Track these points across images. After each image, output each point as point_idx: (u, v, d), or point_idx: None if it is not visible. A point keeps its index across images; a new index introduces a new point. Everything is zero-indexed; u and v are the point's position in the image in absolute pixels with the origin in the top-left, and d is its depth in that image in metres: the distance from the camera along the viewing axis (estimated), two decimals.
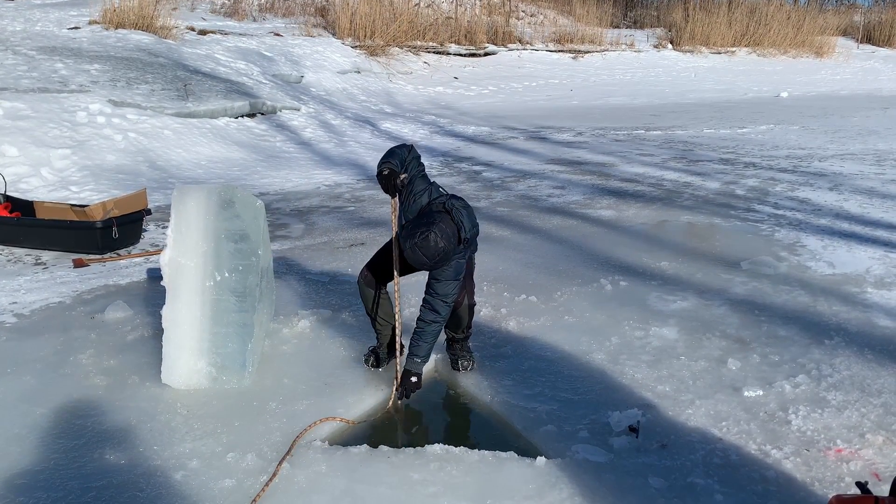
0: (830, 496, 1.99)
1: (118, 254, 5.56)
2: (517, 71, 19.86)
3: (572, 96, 17.96)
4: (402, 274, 3.38)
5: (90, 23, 13.27)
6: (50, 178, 7.40)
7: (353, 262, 5.23)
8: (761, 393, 3.26)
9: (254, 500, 2.52)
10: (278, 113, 11.76)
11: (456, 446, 2.85)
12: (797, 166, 9.01)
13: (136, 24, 13.14)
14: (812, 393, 3.27)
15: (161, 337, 3.33)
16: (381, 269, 3.43)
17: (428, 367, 3.51)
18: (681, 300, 4.45)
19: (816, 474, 2.67)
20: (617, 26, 26.59)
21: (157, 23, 13.54)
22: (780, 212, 6.71)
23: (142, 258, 5.47)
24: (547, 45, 22.04)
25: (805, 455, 2.79)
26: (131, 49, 12.01)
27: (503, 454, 2.80)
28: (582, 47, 22.37)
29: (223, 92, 11.24)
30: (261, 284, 3.41)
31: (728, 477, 2.66)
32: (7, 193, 6.07)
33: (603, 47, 22.80)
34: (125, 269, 5.23)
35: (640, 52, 23.40)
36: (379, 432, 3.12)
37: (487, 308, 4.30)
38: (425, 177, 3.24)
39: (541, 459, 2.74)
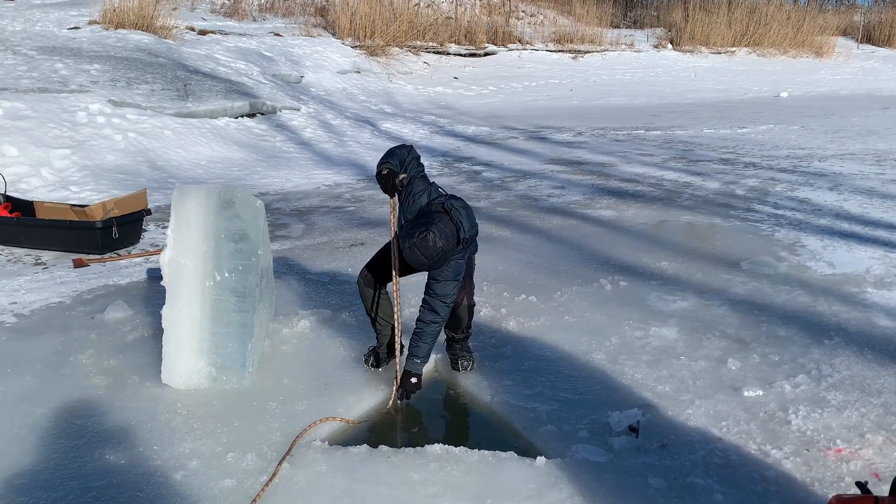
0: (830, 496, 1.99)
1: (118, 254, 5.56)
2: (517, 71, 19.86)
3: (572, 96, 17.96)
4: (401, 274, 3.38)
5: (90, 23, 13.27)
6: (50, 178, 7.40)
7: (353, 262, 5.23)
8: (761, 393, 3.26)
9: (254, 500, 2.52)
10: (278, 113, 11.76)
11: (456, 446, 2.85)
12: (797, 166, 9.01)
13: (136, 24, 13.14)
14: (812, 393, 3.27)
15: (161, 337, 3.33)
16: (380, 269, 3.43)
17: (428, 367, 3.51)
18: (681, 300, 4.45)
19: (816, 474, 2.67)
20: (617, 26, 26.59)
21: (157, 23, 13.54)
22: (780, 212, 6.71)
23: (142, 258, 5.47)
24: (547, 45, 22.04)
25: (805, 455, 2.79)
26: (131, 49, 12.01)
27: (503, 454, 2.80)
28: (582, 47, 22.37)
29: (223, 92, 11.24)
30: (261, 284, 3.41)
31: (728, 477, 2.66)
32: (7, 193, 6.07)
33: (603, 47, 22.80)
34: (125, 269, 5.23)
35: (639, 52, 23.40)
36: (379, 432, 3.12)
37: (487, 308, 4.30)
38: (425, 177, 3.24)
39: (541, 459, 2.74)
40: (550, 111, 15.66)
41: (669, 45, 24.37)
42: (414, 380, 3.23)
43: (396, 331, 3.40)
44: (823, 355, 3.66)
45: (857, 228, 6.08)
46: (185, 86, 10.78)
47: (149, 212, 5.99)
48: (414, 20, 19.22)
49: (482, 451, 2.82)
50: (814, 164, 9.10)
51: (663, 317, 4.18)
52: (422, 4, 20.29)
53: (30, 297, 4.57)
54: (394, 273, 3.34)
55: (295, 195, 7.77)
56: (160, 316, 3.35)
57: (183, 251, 3.32)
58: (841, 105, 16.80)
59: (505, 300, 4.46)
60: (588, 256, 5.38)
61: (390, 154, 3.17)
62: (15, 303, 4.46)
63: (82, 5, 14.77)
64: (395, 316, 3.40)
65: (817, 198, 7.25)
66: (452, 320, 3.42)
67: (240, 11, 18.70)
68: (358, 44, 17.47)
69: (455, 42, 20.05)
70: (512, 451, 2.82)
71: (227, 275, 3.33)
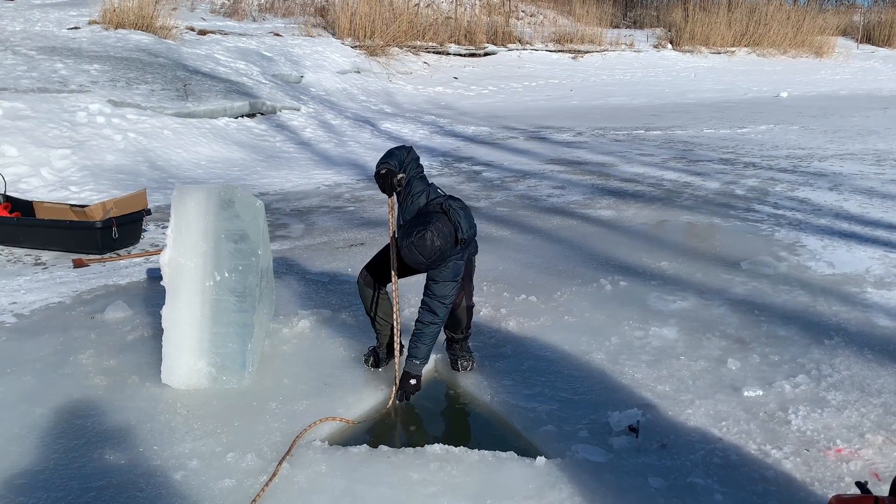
0: (830, 496, 1.99)
1: (118, 254, 5.56)
2: (517, 71, 19.86)
3: (572, 96, 17.97)
4: (401, 275, 3.38)
5: (90, 23, 13.27)
6: (50, 178, 7.40)
7: (353, 262, 5.23)
8: (761, 393, 3.26)
9: (254, 500, 2.52)
10: (278, 113, 11.76)
11: (456, 446, 2.85)
12: (797, 166, 9.01)
13: (136, 24, 13.14)
14: (812, 393, 3.27)
15: (161, 337, 3.33)
16: (380, 269, 3.43)
17: (428, 368, 3.51)
18: (681, 300, 4.45)
19: (816, 474, 2.67)
20: (617, 26, 26.59)
21: (157, 23, 13.54)
22: (779, 212, 6.71)
23: (142, 258, 5.47)
24: (547, 45, 22.05)
25: (805, 455, 2.79)
26: (131, 49, 12.01)
27: (503, 454, 2.80)
28: (582, 47, 22.37)
29: (223, 92, 11.24)
30: (261, 284, 3.41)
31: (728, 477, 2.66)
32: (7, 193, 6.07)
33: (603, 47, 22.81)
34: (125, 269, 5.23)
35: (639, 52, 23.40)
36: (379, 432, 3.12)
37: (487, 308, 4.30)
38: (424, 178, 3.24)
39: (541, 459, 2.74)
40: (550, 111, 15.66)
41: (669, 45, 24.38)
42: (413, 381, 3.23)
43: (395, 331, 3.40)
44: (823, 355, 3.66)
45: (857, 228, 6.08)
46: (184, 86, 10.78)
47: (149, 212, 5.99)
48: (414, 20, 19.22)
49: (482, 451, 2.82)
50: (814, 164, 9.10)
51: (663, 317, 4.18)
52: (422, 4, 20.29)
53: (30, 297, 4.57)
54: (392, 273, 3.34)
55: (295, 195, 7.77)
56: (160, 316, 3.35)
57: (183, 251, 3.32)
58: (841, 105, 16.80)
59: (505, 300, 4.46)
60: (588, 256, 5.38)
61: (389, 154, 3.18)
62: (15, 303, 4.46)
63: (82, 5, 14.77)
64: (395, 316, 3.40)
65: (817, 198, 7.25)
66: (452, 321, 3.42)
67: (239, 11, 18.70)
68: (358, 44, 17.47)
69: (455, 42, 20.05)
70: (512, 451, 2.82)
71: (226, 275, 3.34)
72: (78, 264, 5.27)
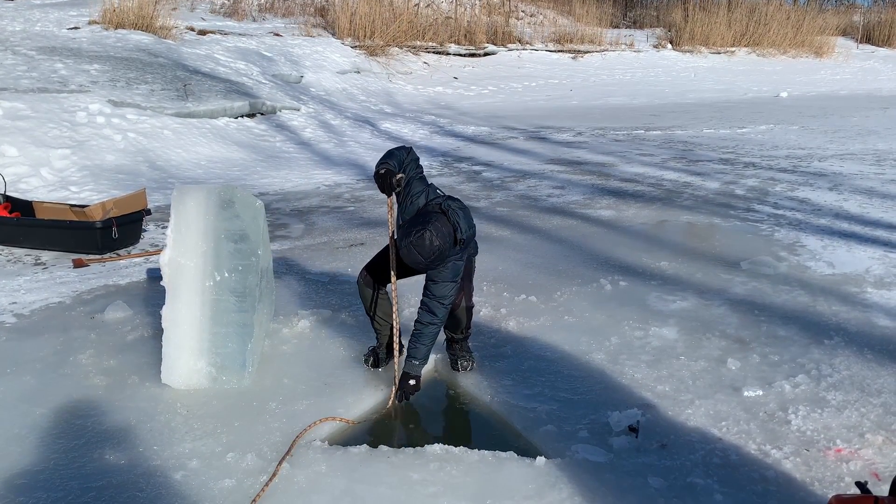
0: (830, 496, 1.99)
1: (118, 254, 5.56)
2: (517, 71, 19.86)
3: (572, 96, 17.97)
4: (400, 275, 3.38)
5: (90, 23, 13.27)
6: (50, 178, 7.40)
7: (353, 262, 5.23)
8: (761, 393, 3.26)
9: (254, 500, 2.52)
10: (278, 113, 11.76)
11: (456, 446, 2.85)
12: (797, 166, 9.01)
13: (136, 25, 13.14)
14: (812, 393, 3.27)
15: (161, 337, 3.33)
16: (380, 269, 3.43)
17: (428, 368, 3.51)
18: (680, 300, 4.45)
19: (816, 474, 2.67)
20: (617, 26, 26.59)
21: (157, 23, 13.54)
22: (779, 212, 6.71)
23: (141, 258, 5.47)
24: (547, 45, 22.04)
25: (805, 455, 2.79)
26: (131, 49, 12.01)
27: (503, 454, 2.80)
28: (581, 47, 22.37)
29: (223, 92, 11.24)
30: (261, 284, 3.41)
31: (728, 477, 2.66)
32: (7, 193, 6.07)
33: (602, 47, 22.80)
34: (125, 269, 5.23)
35: (639, 52, 23.40)
36: (379, 432, 3.12)
37: (487, 308, 4.30)
38: (423, 179, 3.24)
39: (540, 459, 2.74)
40: (550, 111, 15.66)
41: (669, 45, 24.37)
42: (412, 381, 3.23)
43: (395, 331, 3.40)
44: (823, 355, 3.66)
45: (857, 228, 6.09)
46: (184, 86, 10.78)
47: (148, 212, 5.99)
48: (414, 20, 19.22)
49: (482, 451, 2.82)
50: (814, 164, 9.10)
51: (663, 317, 4.18)
52: (422, 4, 20.29)
53: (30, 297, 4.57)
54: (392, 274, 3.34)
55: (295, 195, 7.77)
56: (160, 316, 3.35)
57: (183, 251, 3.32)
58: (841, 105, 16.80)
59: (505, 300, 4.46)
60: (588, 256, 5.38)
61: (389, 155, 3.18)
62: (15, 303, 4.46)
63: (82, 5, 14.77)
64: (394, 316, 3.40)
65: (817, 198, 7.25)
66: (451, 321, 3.42)
67: (239, 11, 18.70)
68: (358, 44, 17.47)
69: (455, 42, 20.05)
70: (512, 451, 2.82)
71: (226, 275, 3.34)
72: (78, 264, 5.27)
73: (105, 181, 7.58)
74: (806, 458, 2.77)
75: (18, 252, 5.59)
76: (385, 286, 3.47)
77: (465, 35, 20.37)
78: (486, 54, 20.41)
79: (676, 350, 3.74)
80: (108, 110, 9.11)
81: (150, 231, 6.23)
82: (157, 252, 5.34)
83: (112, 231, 5.48)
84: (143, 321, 4.11)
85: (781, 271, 5.01)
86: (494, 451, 2.83)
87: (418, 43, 19.06)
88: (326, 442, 2.92)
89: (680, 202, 7.18)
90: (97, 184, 7.46)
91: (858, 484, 1.93)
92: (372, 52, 17.46)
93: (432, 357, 3.60)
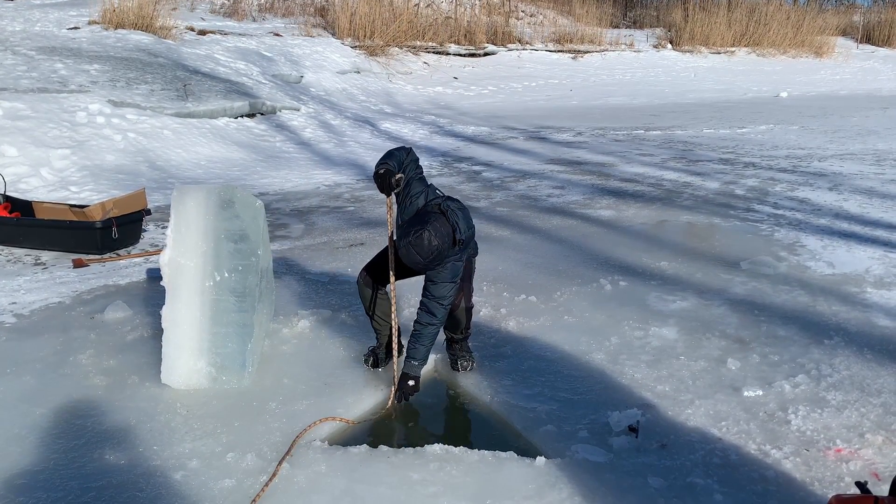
0: (830, 496, 1.99)
1: (118, 254, 5.56)
2: (517, 71, 19.86)
3: (572, 96, 17.97)
4: (400, 276, 3.38)
5: (90, 23, 13.27)
6: (49, 178, 7.40)
7: (353, 262, 5.23)
8: (761, 393, 3.26)
9: (254, 500, 2.52)
10: (278, 113, 11.76)
11: (456, 446, 2.85)
12: (797, 166, 9.01)
13: (136, 25, 13.14)
14: (812, 393, 3.27)
15: (161, 337, 3.33)
16: (380, 269, 3.43)
17: (427, 368, 3.51)
18: (680, 300, 4.45)
19: (816, 474, 2.67)
20: (616, 26, 26.59)
21: (157, 23, 13.54)
22: (779, 212, 6.71)
23: (141, 258, 5.47)
24: (546, 45, 22.04)
25: (805, 455, 2.79)
26: (131, 49, 12.01)
27: (503, 454, 2.80)
28: (581, 47, 22.37)
29: (223, 92, 11.24)
30: (260, 284, 3.41)
31: (728, 477, 2.66)
32: (6, 193, 6.07)
33: (602, 47, 22.80)
34: (125, 269, 5.23)
35: (639, 52, 23.40)
36: (379, 432, 3.12)
37: (487, 308, 4.30)
38: (423, 179, 3.24)
39: (540, 459, 2.74)
40: (550, 111, 15.66)
41: (669, 45, 24.37)
42: (411, 382, 3.23)
43: (394, 331, 3.40)
44: (823, 355, 3.66)
45: (857, 228, 6.09)
46: (184, 86, 10.78)
47: (148, 212, 5.99)
48: (414, 20, 19.22)
49: (482, 451, 2.82)
50: (813, 164, 9.10)
51: (663, 317, 4.18)
52: (422, 4, 20.29)
53: (29, 297, 4.57)
54: (391, 274, 3.34)
55: (295, 195, 7.77)
56: (160, 316, 3.35)
57: (183, 251, 3.32)
58: (841, 105, 16.80)
59: (505, 300, 4.46)
60: (588, 256, 5.38)
61: (389, 155, 3.18)
62: (15, 303, 4.46)
63: (82, 5, 14.77)
64: (392, 316, 3.40)
65: (817, 198, 7.25)
66: (450, 322, 3.42)
67: (239, 11, 18.70)
68: (358, 44, 17.47)
69: (455, 42, 20.05)
70: (512, 451, 2.82)
71: (226, 275, 3.34)
72: (78, 264, 5.27)
73: (105, 181, 7.58)
74: (806, 458, 2.77)
75: (18, 252, 5.59)
76: (385, 286, 3.47)
77: (465, 35, 20.37)
78: (486, 54, 20.41)
79: (676, 350, 3.74)
80: (108, 110, 9.11)
81: (150, 231, 6.23)
82: (157, 252, 5.34)
83: (112, 231, 5.48)
84: (143, 321, 4.11)
85: (781, 271, 5.01)
86: (494, 451, 2.83)
87: (418, 43, 19.06)
88: (326, 442, 2.92)
89: (680, 202, 7.18)
90: (97, 184, 7.46)
91: (858, 484, 1.93)
92: (372, 52, 17.46)
93: (432, 357, 3.60)
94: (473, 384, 3.44)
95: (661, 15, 27.60)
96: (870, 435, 2.92)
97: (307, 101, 13.08)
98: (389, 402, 3.29)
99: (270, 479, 2.63)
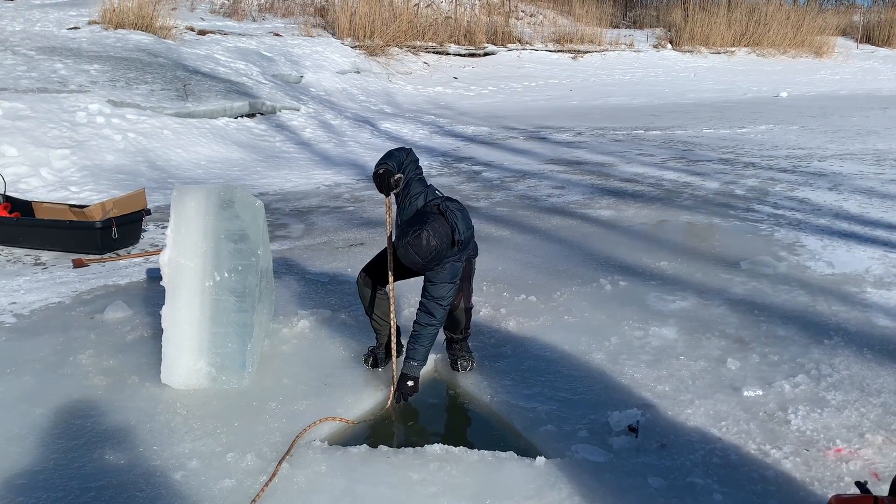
0: (830, 496, 1.99)
1: (118, 254, 5.56)
2: (517, 71, 19.86)
3: (572, 96, 17.97)
4: (399, 276, 3.38)
5: (90, 23, 13.27)
6: (49, 178, 7.40)
7: (353, 262, 5.23)
8: (761, 393, 3.26)
9: (253, 500, 2.52)
10: (278, 113, 11.76)
11: (456, 446, 2.85)
12: (797, 166, 9.01)
13: (136, 25, 13.14)
14: (811, 393, 3.27)
15: (161, 337, 3.33)
16: (380, 270, 3.43)
17: (427, 368, 3.51)
18: (680, 300, 4.45)
19: (816, 474, 2.67)
20: (616, 26, 26.59)
21: (157, 23, 13.54)
22: (779, 212, 6.71)
23: (141, 258, 5.47)
24: (546, 46, 22.05)
25: (804, 455, 2.79)
26: (131, 49, 12.01)
27: (503, 454, 2.80)
28: (581, 47, 22.37)
29: (223, 92, 11.24)
30: (260, 284, 3.41)
31: (727, 477, 2.67)
32: (6, 193, 6.07)
33: (602, 47, 22.81)
34: (125, 269, 5.23)
35: (639, 52, 23.40)
36: (378, 432, 3.12)
37: (487, 308, 4.30)
38: (422, 180, 3.24)
39: (540, 459, 2.74)
40: (550, 111, 15.66)
41: (669, 45, 24.38)
42: (411, 383, 3.23)
43: (393, 332, 3.40)
44: (823, 355, 3.66)
45: (857, 228, 6.09)
46: (184, 86, 10.78)
47: (148, 212, 5.99)
48: (414, 20, 19.22)
49: (482, 451, 2.82)
50: (813, 164, 9.10)
51: (663, 317, 4.18)
52: (422, 4, 20.29)
53: (29, 297, 4.57)
54: (390, 274, 3.34)
55: (295, 195, 7.77)
56: (160, 316, 3.35)
57: (182, 251, 3.32)
58: (841, 105, 16.80)
59: (505, 300, 4.46)
60: (588, 256, 5.38)
61: (388, 155, 3.18)
62: (15, 303, 4.46)
63: (82, 5, 14.77)
64: (392, 316, 3.40)
65: (817, 198, 7.25)
66: (450, 322, 3.42)
67: (239, 11, 18.70)
68: (358, 44, 17.47)
69: (455, 42, 20.05)
70: (512, 451, 2.82)
71: (226, 275, 3.34)
72: (78, 264, 5.27)
73: (105, 181, 7.58)
74: (806, 458, 2.77)
75: (18, 252, 5.59)
76: (384, 286, 3.47)
77: (465, 35, 20.37)
78: (485, 54, 20.41)
79: (676, 350, 3.74)
80: (108, 110, 9.11)
81: (150, 231, 6.23)
82: (157, 252, 5.34)
83: (112, 231, 5.48)
84: (142, 321, 4.11)
85: (781, 271, 5.01)
86: (494, 451, 2.83)
87: (418, 43, 19.06)
88: (326, 442, 2.92)
89: (680, 202, 7.18)
90: (97, 184, 7.46)
91: (858, 484, 1.93)
92: (372, 52, 17.46)
93: (432, 357, 3.60)
94: (473, 384, 3.44)
95: (661, 15, 27.61)
96: (870, 435, 2.92)
97: (307, 101, 13.08)
98: (389, 403, 3.29)
99: (270, 479, 2.63)
